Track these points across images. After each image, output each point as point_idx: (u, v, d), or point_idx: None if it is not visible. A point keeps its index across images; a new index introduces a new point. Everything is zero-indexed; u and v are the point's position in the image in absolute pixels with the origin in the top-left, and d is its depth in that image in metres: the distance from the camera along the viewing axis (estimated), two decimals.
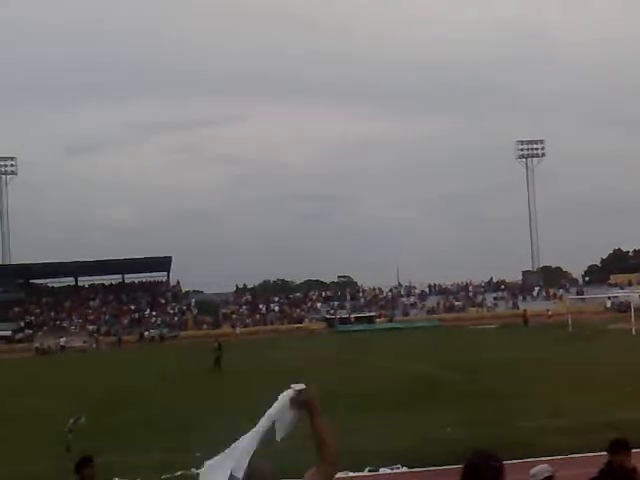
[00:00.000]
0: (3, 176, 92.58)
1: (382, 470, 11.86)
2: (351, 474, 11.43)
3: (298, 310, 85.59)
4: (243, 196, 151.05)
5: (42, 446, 15.22)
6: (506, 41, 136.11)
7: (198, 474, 3.02)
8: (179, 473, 11.87)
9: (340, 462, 3.16)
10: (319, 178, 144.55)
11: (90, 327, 78.69)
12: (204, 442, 14.21)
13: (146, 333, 75.45)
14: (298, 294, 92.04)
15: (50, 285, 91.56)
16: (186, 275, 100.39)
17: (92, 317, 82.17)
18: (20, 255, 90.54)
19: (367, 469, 11.83)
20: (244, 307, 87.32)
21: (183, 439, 15.08)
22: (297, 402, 3.10)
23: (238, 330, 73.46)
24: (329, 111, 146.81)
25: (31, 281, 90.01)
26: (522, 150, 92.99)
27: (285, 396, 3.15)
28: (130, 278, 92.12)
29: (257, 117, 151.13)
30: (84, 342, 70.62)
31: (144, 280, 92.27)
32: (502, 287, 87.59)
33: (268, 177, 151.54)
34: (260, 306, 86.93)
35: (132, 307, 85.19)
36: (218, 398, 21.81)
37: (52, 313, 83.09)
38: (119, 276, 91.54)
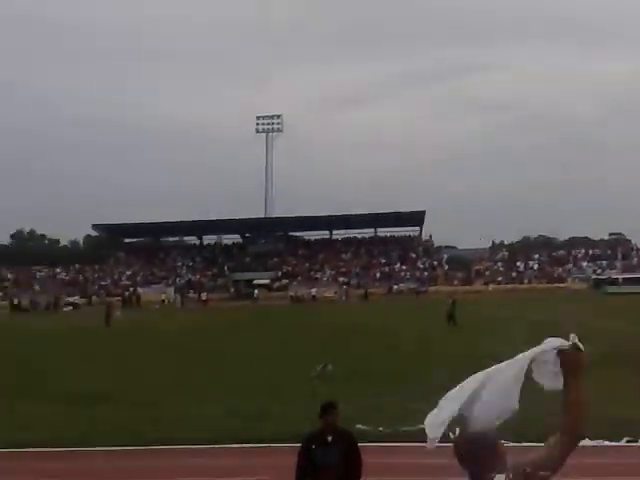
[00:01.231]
0: (270, 134, 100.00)
1: None
2: (607, 443, 10.83)
3: (560, 269, 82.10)
4: (506, 145, 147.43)
5: (291, 389, 16.44)
6: None
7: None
8: (420, 426, 12.05)
9: (582, 435, 2.89)
10: (592, 126, 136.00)
11: (341, 279, 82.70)
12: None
13: (395, 287, 77.44)
14: (561, 252, 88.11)
15: (306, 238, 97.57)
16: (439, 230, 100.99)
17: (344, 269, 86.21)
18: (280, 208, 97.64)
19: (625, 439, 11.12)
20: (499, 264, 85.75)
21: (426, 392, 15.32)
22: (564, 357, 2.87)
23: (491, 287, 72.53)
24: (612, 53, 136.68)
25: (289, 234, 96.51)
26: None
27: (553, 343, 2.90)
28: (382, 232, 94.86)
29: (526, 62, 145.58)
30: (334, 293, 74.44)
31: (396, 234, 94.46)
32: None
33: (534, 125, 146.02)
34: (517, 263, 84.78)
35: (383, 261, 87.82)
36: (456, 353, 21.72)
37: (307, 264, 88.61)
38: (372, 230, 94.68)
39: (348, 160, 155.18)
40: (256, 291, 75.20)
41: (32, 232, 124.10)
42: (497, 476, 2.83)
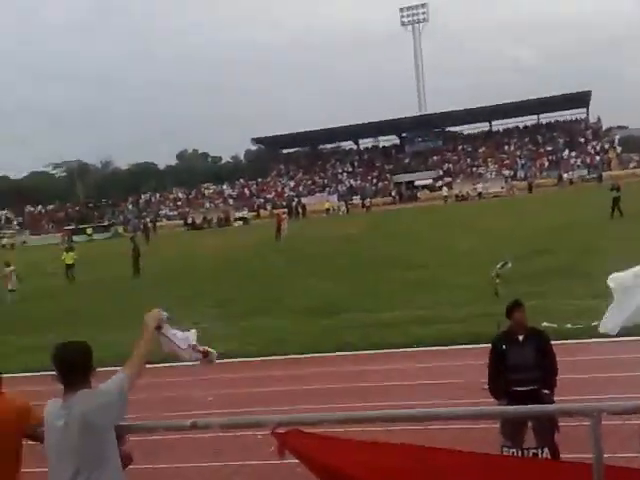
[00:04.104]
0: (416, 25, 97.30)
1: None
2: None
3: None
4: None
5: (471, 290, 16.70)
6: None
7: None
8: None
9: None
10: None
11: (506, 172, 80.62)
12: None
13: (565, 175, 74.48)
14: None
15: (465, 132, 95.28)
16: (607, 110, 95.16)
17: (507, 162, 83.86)
18: (434, 104, 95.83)
19: None
20: None
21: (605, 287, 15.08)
22: None
23: None
24: None
25: (447, 129, 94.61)
26: None
27: None
28: (546, 118, 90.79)
29: None
30: (501, 188, 72.83)
31: (561, 119, 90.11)
32: None
33: None
34: None
35: (549, 149, 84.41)
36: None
37: (468, 160, 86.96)
38: (534, 117, 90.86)
39: (499, 47, 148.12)
40: (444, 190, 73.86)
41: (195, 151, 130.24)
42: None
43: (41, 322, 19.08)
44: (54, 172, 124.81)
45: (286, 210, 70.61)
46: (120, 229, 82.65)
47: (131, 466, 4.14)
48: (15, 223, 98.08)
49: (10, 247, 77.33)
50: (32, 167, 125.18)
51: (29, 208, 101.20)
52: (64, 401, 3.89)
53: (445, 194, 71.57)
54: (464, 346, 11.82)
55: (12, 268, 25.73)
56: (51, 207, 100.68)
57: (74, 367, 3.89)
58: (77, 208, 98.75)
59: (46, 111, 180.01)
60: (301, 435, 3.55)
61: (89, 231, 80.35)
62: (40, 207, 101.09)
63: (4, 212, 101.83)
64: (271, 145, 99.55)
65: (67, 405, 3.86)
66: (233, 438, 7.69)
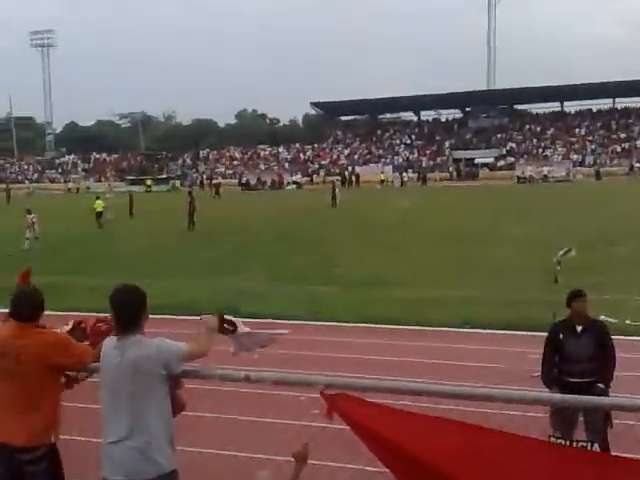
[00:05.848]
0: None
1: None
2: None
3: None
4: None
5: (528, 274, 16.45)
6: None
7: None
8: None
9: None
10: None
11: (574, 157, 78.76)
12: None
13: (637, 165, 72.41)
14: None
15: (534, 111, 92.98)
16: None
17: (577, 146, 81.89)
18: (504, 79, 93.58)
19: None
20: None
21: None
22: None
23: None
24: None
25: (515, 106, 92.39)
26: None
27: None
28: (622, 103, 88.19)
29: None
30: (565, 173, 71.25)
31: (638, 105, 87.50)
32: None
33: None
34: None
35: (622, 136, 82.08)
36: None
37: (535, 140, 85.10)
38: (609, 100, 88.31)
39: (575, 23, 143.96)
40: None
41: (254, 112, 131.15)
42: None
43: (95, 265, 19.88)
44: (120, 122, 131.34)
45: (339, 178, 70.45)
46: (177, 183, 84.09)
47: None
48: (80, 169, 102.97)
49: (75, 191, 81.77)
50: (100, 116, 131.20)
51: (95, 155, 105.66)
52: (119, 341, 4.14)
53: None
54: (513, 332, 11.65)
55: (33, 216, 26.70)
56: (116, 156, 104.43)
57: (128, 307, 4.14)
58: (138, 159, 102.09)
59: (114, 60, 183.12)
60: (350, 399, 3.57)
61: (148, 182, 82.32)
62: (105, 155, 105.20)
63: (71, 157, 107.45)
64: (330, 111, 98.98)
65: (121, 345, 4.11)
66: (275, 397, 7.78)
